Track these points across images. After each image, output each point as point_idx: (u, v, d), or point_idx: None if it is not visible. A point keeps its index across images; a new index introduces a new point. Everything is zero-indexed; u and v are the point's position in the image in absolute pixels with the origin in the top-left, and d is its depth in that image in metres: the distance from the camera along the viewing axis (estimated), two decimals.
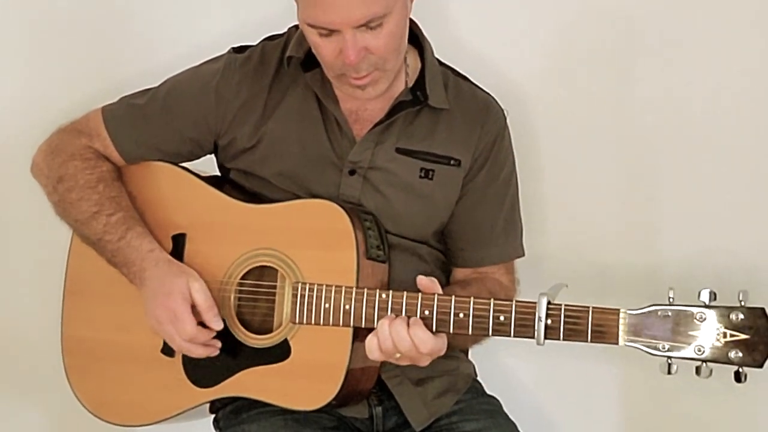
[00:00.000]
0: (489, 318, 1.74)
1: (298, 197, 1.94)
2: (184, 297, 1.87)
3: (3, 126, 2.48)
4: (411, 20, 1.91)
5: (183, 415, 1.99)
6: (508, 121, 2.04)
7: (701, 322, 1.63)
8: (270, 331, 1.91)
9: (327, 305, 1.84)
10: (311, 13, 1.79)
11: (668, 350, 1.64)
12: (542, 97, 2.27)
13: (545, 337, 1.70)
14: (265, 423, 1.93)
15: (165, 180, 2.03)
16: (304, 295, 1.86)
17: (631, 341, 1.66)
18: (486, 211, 2.01)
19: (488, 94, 2.04)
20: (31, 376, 2.55)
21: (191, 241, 1.98)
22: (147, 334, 1.96)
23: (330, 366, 1.84)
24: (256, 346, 1.90)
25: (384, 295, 1.81)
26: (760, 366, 1.60)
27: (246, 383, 1.90)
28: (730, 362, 1.62)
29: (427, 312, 1.77)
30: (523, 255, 2.07)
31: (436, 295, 1.78)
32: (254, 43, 2.03)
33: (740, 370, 1.62)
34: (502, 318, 1.74)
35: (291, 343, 1.87)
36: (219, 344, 1.90)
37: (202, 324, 1.88)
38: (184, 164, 2.05)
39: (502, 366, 1.99)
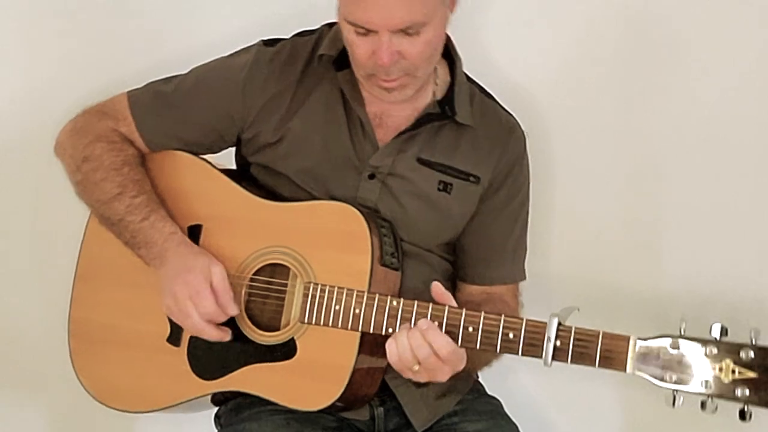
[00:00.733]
0: (498, 334, 1.74)
1: (315, 197, 1.95)
2: (205, 276, 1.87)
3: (4, 124, 2.47)
4: (446, 34, 1.92)
5: (184, 406, 1.99)
6: (528, 144, 2.05)
7: (711, 356, 1.62)
8: (277, 329, 1.91)
9: (337, 307, 1.84)
10: (352, 10, 1.80)
11: (675, 382, 1.64)
12: (555, 117, 2.28)
13: (553, 359, 1.70)
14: (266, 421, 1.92)
15: (185, 170, 2.03)
16: (315, 296, 1.86)
17: (639, 369, 1.66)
18: (499, 230, 2.03)
19: (512, 115, 2.06)
20: (31, 376, 2.55)
21: (207, 233, 1.99)
22: (154, 321, 1.96)
23: (335, 368, 1.84)
24: (262, 343, 1.90)
25: (395, 302, 1.81)
26: (767, 406, 1.59)
27: (249, 379, 1.90)
28: (736, 399, 1.61)
29: (436, 323, 1.77)
30: (525, 279, 2.08)
31: (447, 307, 1.78)
32: (285, 37, 2.03)
33: (746, 408, 1.61)
34: (511, 335, 1.74)
35: (298, 343, 1.87)
36: (230, 331, 1.89)
37: None
38: (204, 156, 2.06)
39: (502, 367, 1.98)
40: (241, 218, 1.97)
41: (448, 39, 1.96)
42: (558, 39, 2.28)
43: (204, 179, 2.02)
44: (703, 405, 1.64)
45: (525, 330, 1.73)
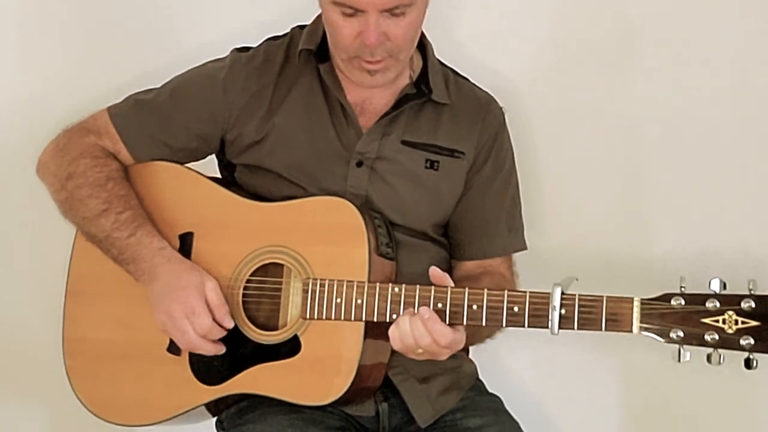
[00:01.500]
0: (503, 309, 1.77)
1: (307, 190, 1.96)
2: (200, 292, 1.88)
3: (3, 127, 2.47)
4: None
5: (185, 417, 1.98)
6: (506, 118, 2.10)
7: (713, 309, 1.66)
8: (277, 327, 1.91)
9: (339, 300, 1.85)
10: None
11: (681, 337, 1.67)
12: (539, 95, 2.33)
13: (559, 327, 1.73)
14: (271, 422, 1.92)
15: (171, 179, 2.03)
16: (315, 291, 1.87)
17: (646, 329, 1.69)
18: (490, 203, 2.06)
19: (487, 92, 2.11)
20: (31, 376, 2.53)
21: (199, 240, 1.99)
22: (152, 332, 1.95)
23: (342, 359, 1.85)
24: (265, 343, 1.91)
25: (396, 289, 1.83)
26: None
27: (255, 380, 1.90)
28: (741, 348, 1.65)
29: (440, 305, 1.79)
30: (526, 248, 2.12)
31: (449, 288, 1.80)
32: (255, 45, 2.07)
33: (750, 356, 1.65)
34: (516, 309, 1.76)
35: (301, 339, 1.88)
36: (223, 345, 1.90)
37: None
38: (188, 165, 2.06)
39: (502, 366, 2.01)
40: (232, 221, 1.97)
41: None
42: (536, 22, 2.33)
43: (190, 186, 2.02)
44: (708, 358, 1.67)
45: (529, 302, 1.75)
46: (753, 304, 1.65)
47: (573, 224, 2.31)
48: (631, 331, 1.70)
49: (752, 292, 1.66)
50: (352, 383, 1.84)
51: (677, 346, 1.68)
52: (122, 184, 2.00)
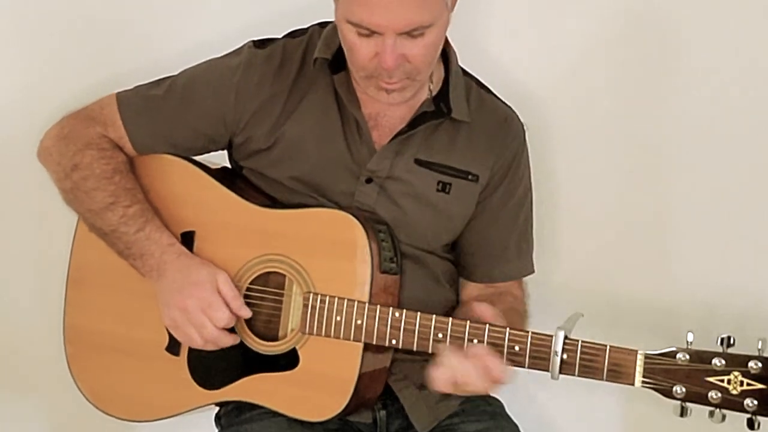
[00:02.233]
0: (504, 347, 1.73)
1: (310, 201, 1.92)
2: (213, 286, 1.86)
3: (1, 122, 2.41)
4: None
5: (185, 412, 1.98)
6: (527, 136, 2.02)
7: (719, 368, 1.62)
8: (275, 337, 1.89)
9: (338, 318, 1.82)
10: (356, 11, 1.73)
11: (683, 395, 1.64)
12: (559, 121, 2.23)
13: (560, 372, 1.70)
14: (268, 423, 1.91)
15: (176, 175, 1.99)
16: (315, 306, 1.84)
17: (647, 384, 1.65)
18: (501, 227, 2.00)
19: (509, 107, 2.02)
20: (31, 376, 2.53)
21: (200, 240, 1.95)
22: (152, 329, 1.94)
23: (339, 379, 1.83)
24: (264, 353, 1.89)
25: (397, 314, 1.79)
26: None
27: (252, 389, 1.89)
28: (745, 411, 1.62)
29: (440, 335, 1.77)
30: (533, 272, 2.06)
31: (450, 319, 1.77)
32: (276, 37, 1.97)
33: (754, 418, 1.62)
34: (517, 348, 1.73)
35: (300, 353, 1.86)
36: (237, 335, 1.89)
37: None
38: (196, 157, 2.01)
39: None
40: (235, 225, 1.93)
41: None
42: (561, 35, 2.22)
43: (195, 184, 1.98)
44: (711, 414, 1.64)
45: (531, 343, 1.72)
46: (760, 366, 1.61)
47: (586, 259, 2.25)
48: (633, 384, 1.66)
49: (761, 352, 1.61)
50: (349, 402, 1.83)
51: (680, 403, 1.65)
52: (128, 177, 1.96)
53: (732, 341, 1.63)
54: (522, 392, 2.21)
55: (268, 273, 1.90)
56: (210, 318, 1.85)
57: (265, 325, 1.91)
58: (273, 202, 1.95)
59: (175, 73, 1.99)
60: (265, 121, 1.92)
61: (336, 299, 1.83)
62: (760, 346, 1.62)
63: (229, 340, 1.87)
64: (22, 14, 2.38)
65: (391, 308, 1.80)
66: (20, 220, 2.45)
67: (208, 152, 2.02)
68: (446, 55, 1.95)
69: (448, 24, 1.82)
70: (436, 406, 1.98)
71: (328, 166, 1.92)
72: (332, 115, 1.92)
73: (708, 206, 2.18)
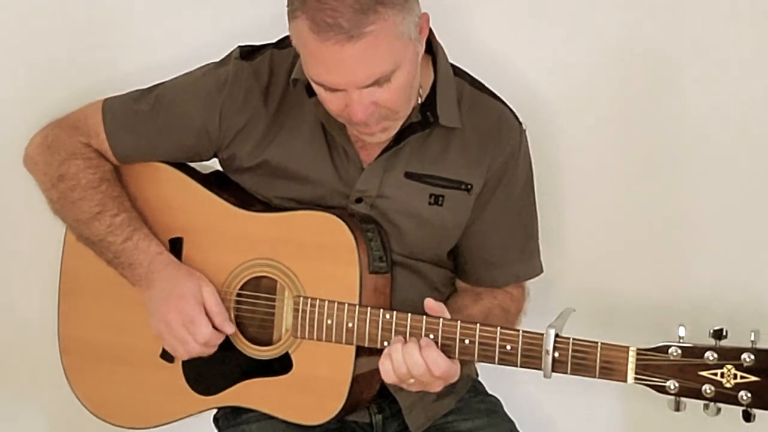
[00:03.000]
0: (495, 346, 1.72)
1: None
2: (197, 300, 1.85)
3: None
4: (428, 26, 1.78)
5: (183, 419, 1.98)
6: (525, 134, 1.94)
7: (711, 362, 1.60)
8: (268, 341, 1.88)
9: (329, 321, 1.81)
10: (317, 72, 1.69)
11: (677, 390, 1.62)
12: (560, 115, 2.21)
13: (552, 370, 1.68)
14: (266, 424, 1.91)
15: (163, 181, 1.97)
16: (306, 310, 1.83)
17: (640, 380, 1.64)
18: (499, 233, 1.94)
19: (504, 104, 1.93)
20: (31, 376, 2.53)
21: (189, 246, 1.94)
22: (146, 337, 1.94)
23: (333, 382, 1.82)
24: (257, 357, 1.88)
25: (388, 316, 1.78)
26: None
27: (248, 394, 1.89)
28: (739, 404, 1.60)
29: (431, 336, 1.75)
30: (542, 272, 2.00)
31: (441, 320, 1.75)
32: (261, 44, 1.93)
33: (749, 410, 1.60)
34: (508, 347, 1.71)
35: (293, 357, 1.85)
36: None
37: None
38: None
39: (504, 367, 1.97)
40: (223, 230, 1.92)
41: (430, 32, 1.81)
42: (563, 32, 2.20)
43: (182, 190, 1.96)
44: (706, 407, 1.62)
45: (522, 342, 1.70)
46: (753, 359, 1.59)
47: (577, 257, 2.23)
48: (625, 381, 1.65)
49: (754, 344, 1.59)
50: (344, 405, 1.83)
51: (672, 397, 1.63)
52: (115, 185, 1.95)
53: (725, 333, 1.61)
54: (519, 389, 2.20)
55: (259, 277, 1.89)
56: (191, 333, 1.84)
57: (258, 329, 1.90)
58: (261, 206, 1.93)
59: (166, 79, 1.97)
60: (248, 139, 1.89)
61: (326, 302, 1.81)
62: (752, 338, 1.59)
63: (211, 351, 1.87)
64: (22, 14, 2.38)
65: (381, 310, 1.78)
66: (20, 221, 2.45)
67: (194, 162, 2.00)
68: (434, 55, 1.87)
69: (419, 56, 1.74)
70: (431, 405, 1.97)
71: (315, 187, 1.88)
72: (318, 135, 1.87)
73: (699, 202, 2.16)
